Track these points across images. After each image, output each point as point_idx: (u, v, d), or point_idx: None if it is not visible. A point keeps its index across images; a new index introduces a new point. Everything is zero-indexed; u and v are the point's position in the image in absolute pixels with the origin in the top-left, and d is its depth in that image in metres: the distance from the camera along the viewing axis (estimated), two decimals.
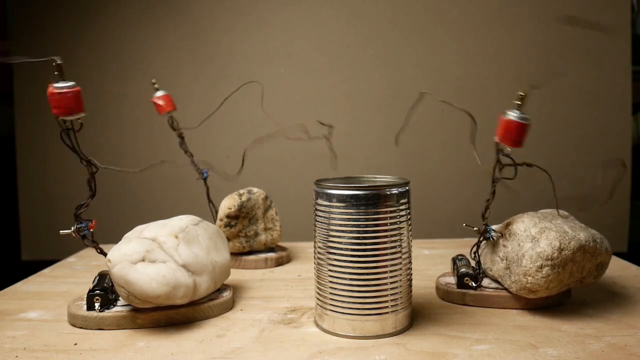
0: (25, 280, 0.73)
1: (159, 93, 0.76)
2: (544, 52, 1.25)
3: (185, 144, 0.79)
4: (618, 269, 0.71)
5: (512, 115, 0.52)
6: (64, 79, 0.50)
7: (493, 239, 0.59)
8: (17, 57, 0.49)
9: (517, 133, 0.52)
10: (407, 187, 0.51)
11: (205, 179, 0.80)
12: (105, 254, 0.54)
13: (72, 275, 0.75)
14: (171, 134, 0.79)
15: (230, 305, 0.59)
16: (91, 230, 0.56)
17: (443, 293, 0.61)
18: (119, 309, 0.54)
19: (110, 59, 1.29)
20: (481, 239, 0.59)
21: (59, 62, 0.50)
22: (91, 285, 0.56)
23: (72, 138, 0.53)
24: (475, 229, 0.59)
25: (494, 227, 0.61)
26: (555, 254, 0.51)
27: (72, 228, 0.54)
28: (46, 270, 0.78)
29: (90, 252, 0.88)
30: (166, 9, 1.29)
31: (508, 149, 0.53)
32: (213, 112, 0.75)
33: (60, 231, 0.54)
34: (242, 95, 0.75)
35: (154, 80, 0.76)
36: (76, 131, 0.53)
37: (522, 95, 0.51)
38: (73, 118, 0.52)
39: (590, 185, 1.24)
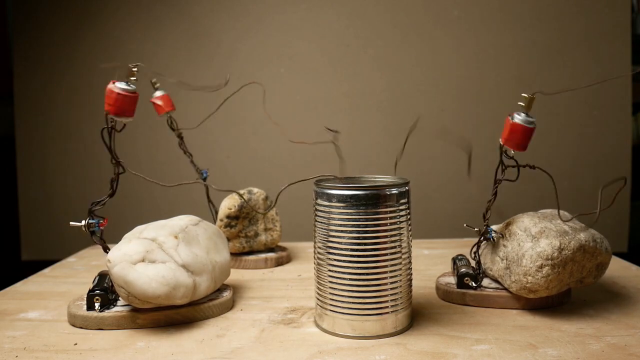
0: (25, 280, 0.73)
1: (158, 93, 0.76)
2: (544, 52, 1.25)
3: (184, 144, 0.79)
4: (618, 269, 0.71)
5: (519, 118, 0.51)
6: (127, 82, 0.52)
7: (493, 239, 0.59)
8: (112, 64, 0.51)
9: (523, 137, 0.51)
10: (406, 187, 0.51)
11: (204, 179, 0.80)
12: None
13: (72, 275, 0.75)
14: (171, 134, 0.79)
15: (230, 305, 0.59)
16: (101, 228, 0.56)
17: (443, 293, 0.61)
18: (119, 309, 0.54)
19: (110, 59, 1.29)
20: (481, 239, 0.59)
21: (134, 66, 0.52)
22: (91, 285, 0.56)
23: (112, 137, 0.53)
24: (476, 229, 0.59)
25: (493, 227, 0.61)
26: (556, 254, 0.51)
27: (83, 222, 0.54)
28: (46, 270, 0.78)
29: (90, 252, 0.88)
30: (166, 9, 1.29)
31: (512, 152, 0.53)
32: (212, 112, 0.74)
33: (70, 222, 0.54)
34: (242, 95, 0.75)
35: (154, 80, 0.76)
36: (118, 131, 0.54)
37: (529, 97, 0.51)
38: (122, 120, 0.53)
39: (590, 185, 1.24)
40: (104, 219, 0.56)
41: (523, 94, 0.51)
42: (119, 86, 0.52)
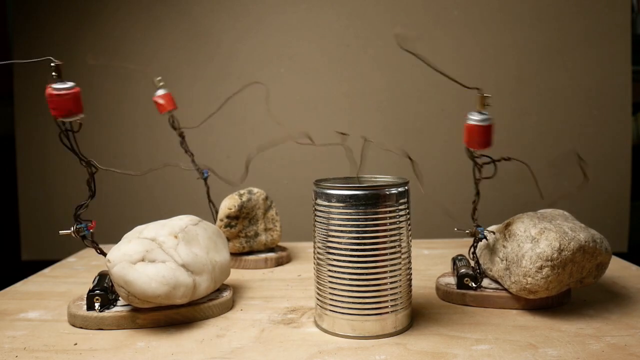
0: (25, 280, 0.73)
1: (160, 92, 0.75)
2: (544, 52, 1.25)
3: (185, 143, 0.79)
4: (618, 269, 0.71)
5: (473, 119, 0.52)
6: (62, 80, 0.50)
7: (487, 239, 0.59)
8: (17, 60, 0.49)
9: (481, 135, 0.52)
10: (406, 187, 0.51)
11: (205, 179, 0.80)
12: (105, 254, 0.54)
13: (72, 275, 0.75)
14: (171, 133, 0.79)
15: (230, 305, 0.59)
16: (91, 230, 0.56)
17: (443, 293, 0.61)
18: (119, 309, 0.54)
19: (110, 59, 1.29)
20: (475, 240, 0.59)
21: (57, 63, 0.49)
22: (91, 285, 0.56)
23: (71, 139, 0.52)
24: (467, 231, 0.59)
25: (493, 227, 0.60)
26: (555, 255, 0.51)
27: (72, 229, 0.54)
28: (46, 270, 0.78)
29: (90, 252, 0.88)
30: (166, 9, 1.29)
31: (477, 152, 0.54)
32: (214, 112, 0.74)
33: (60, 231, 0.54)
34: (243, 95, 0.75)
35: (159, 78, 0.75)
36: (75, 132, 0.52)
37: (480, 96, 0.52)
38: (72, 120, 0.51)
39: (590, 185, 1.24)
40: (91, 221, 0.56)
41: (478, 94, 0.51)
42: (55, 87, 0.50)
